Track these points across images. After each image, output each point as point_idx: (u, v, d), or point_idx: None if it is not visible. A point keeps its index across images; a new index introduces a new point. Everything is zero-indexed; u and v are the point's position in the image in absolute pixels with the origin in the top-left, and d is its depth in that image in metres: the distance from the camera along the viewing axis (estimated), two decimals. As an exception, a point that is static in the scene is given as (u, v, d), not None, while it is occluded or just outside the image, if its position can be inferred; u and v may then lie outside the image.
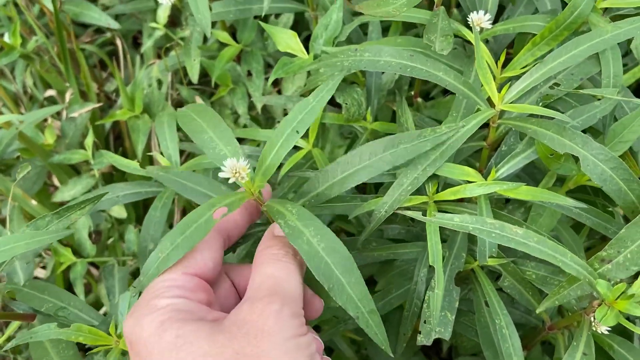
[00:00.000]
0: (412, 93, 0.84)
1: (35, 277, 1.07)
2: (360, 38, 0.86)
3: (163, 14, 1.05)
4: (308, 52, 0.77)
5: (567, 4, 0.63)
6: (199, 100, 0.95)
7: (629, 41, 0.64)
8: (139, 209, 1.10)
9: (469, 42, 0.70)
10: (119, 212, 1.03)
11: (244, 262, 0.63)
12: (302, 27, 1.07)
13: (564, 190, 0.64)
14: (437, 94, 0.98)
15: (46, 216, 0.60)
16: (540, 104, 0.62)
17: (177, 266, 0.48)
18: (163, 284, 0.47)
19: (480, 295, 0.63)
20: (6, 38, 1.05)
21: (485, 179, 0.58)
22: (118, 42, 1.20)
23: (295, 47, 0.77)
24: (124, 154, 1.13)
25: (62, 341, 0.62)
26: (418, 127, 0.76)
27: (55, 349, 0.62)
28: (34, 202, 1.00)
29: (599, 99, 0.60)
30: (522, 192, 0.56)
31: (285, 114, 0.98)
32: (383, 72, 0.79)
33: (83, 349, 0.63)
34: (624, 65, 0.64)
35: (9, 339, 0.72)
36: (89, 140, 0.98)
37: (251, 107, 1.03)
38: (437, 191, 0.58)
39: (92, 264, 1.06)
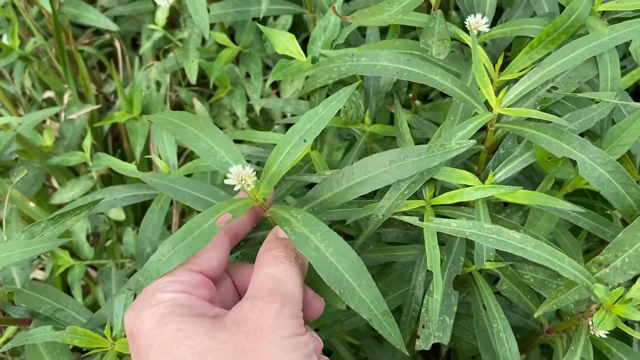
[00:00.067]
0: (411, 96, 0.84)
1: (34, 279, 1.07)
2: (359, 40, 0.86)
3: (162, 16, 1.05)
4: (306, 54, 0.77)
5: (564, 7, 0.63)
6: (197, 102, 0.95)
7: (627, 44, 0.64)
8: (138, 211, 1.10)
9: (466, 45, 0.70)
10: (117, 214, 1.03)
11: (242, 262, 0.63)
12: (300, 28, 1.07)
13: (561, 194, 0.64)
14: (435, 96, 0.98)
15: (41, 222, 0.60)
16: (538, 107, 0.62)
17: (182, 262, 0.48)
18: (166, 278, 0.47)
19: (478, 298, 0.63)
20: (4, 39, 1.05)
21: (483, 182, 0.58)
22: (117, 43, 1.20)
23: (293, 49, 0.77)
24: (123, 156, 1.13)
25: (57, 346, 0.62)
26: (416, 129, 0.76)
27: (50, 354, 0.62)
28: (32, 204, 1.00)
29: (597, 102, 0.60)
30: (519, 196, 0.55)
31: (284, 117, 0.99)
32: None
33: (82, 351, 0.63)
34: (622, 67, 0.64)
35: (6, 342, 0.72)
36: (87, 142, 0.98)
37: (250, 108, 1.03)
38: (435, 195, 0.58)
39: (91, 265, 1.06)
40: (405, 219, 0.52)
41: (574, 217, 0.60)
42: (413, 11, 0.65)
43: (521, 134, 0.56)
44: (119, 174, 0.80)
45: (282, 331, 0.43)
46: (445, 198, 0.57)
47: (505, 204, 0.70)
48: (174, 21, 1.17)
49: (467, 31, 0.66)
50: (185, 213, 1.05)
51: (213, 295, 0.49)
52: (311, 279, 0.53)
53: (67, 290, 0.94)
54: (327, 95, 0.73)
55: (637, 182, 0.56)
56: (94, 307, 1.06)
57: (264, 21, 0.99)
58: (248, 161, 0.70)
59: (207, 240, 0.48)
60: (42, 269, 1.09)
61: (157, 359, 0.42)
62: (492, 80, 0.61)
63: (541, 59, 0.61)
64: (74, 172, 1.10)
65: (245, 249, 0.59)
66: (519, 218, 0.66)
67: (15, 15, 1.12)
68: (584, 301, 0.55)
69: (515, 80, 0.61)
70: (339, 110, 0.73)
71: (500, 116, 0.59)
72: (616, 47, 0.61)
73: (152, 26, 1.05)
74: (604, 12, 0.66)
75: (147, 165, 1.07)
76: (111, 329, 0.61)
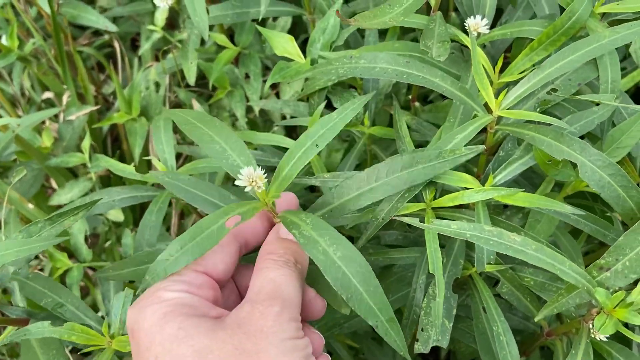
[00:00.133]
0: (410, 97, 0.84)
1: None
2: (358, 41, 0.86)
3: (161, 17, 1.05)
4: (305, 56, 0.77)
5: (565, 8, 0.63)
6: (195, 103, 0.95)
7: (627, 45, 0.64)
8: (137, 212, 1.10)
9: (466, 46, 0.69)
10: (116, 215, 1.03)
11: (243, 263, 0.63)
12: (300, 29, 1.07)
13: (561, 196, 0.64)
14: (435, 97, 0.98)
15: (39, 222, 0.60)
16: (538, 109, 0.62)
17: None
18: (170, 278, 0.47)
19: (478, 301, 0.63)
20: (3, 40, 1.04)
21: (483, 184, 0.58)
22: (116, 44, 1.20)
23: (292, 51, 0.77)
24: (122, 157, 1.13)
25: (53, 347, 0.62)
26: (415, 131, 0.76)
27: (45, 355, 0.62)
28: (30, 205, 0.99)
29: (597, 105, 0.60)
30: (519, 198, 0.55)
31: (284, 118, 0.99)
32: (379, 78, 0.79)
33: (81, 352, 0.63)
34: (622, 69, 0.64)
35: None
36: (86, 143, 0.98)
37: (249, 109, 1.02)
38: (435, 197, 0.58)
39: (90, 266, 1.06)
40: (406, 220, 0.52)
41: (574, 219, 0.59)
42: (413, 13, 0.64)
43: (521, 136, 0.56)
44: (118, 175, 0.80)
45: (281, 333, 0.44)
46: (445, 200, 0.57)
47: (505, 206, 0.70)
48: (173, 22, 1.17)
49: (466, 33, 0.66)
50: (185, 214, 1.05)
51: (217, 296, 0.49)
52: (313, 280, 0.53)
53: (66, 291, 0.94)
54: (327, 97, 0.74)
55: (638, 184, 0.56)
56: (93, 308, 1.05)
57: (263, 22, 0.99)
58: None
59: (215, 241, 0.48)
60: (41, 269, 1.09)
61: (158, 356, 0.43)
62: (491, 82, 0.60)
63: (541, 60, 0.61)
64: (72, 173, 1.10)
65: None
66: (519, 220, 0.66)
67: (14, 16, 1.12)
68: (584, 304, 0.55)
69: (515, 82, 0.61)
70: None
71: (500, 118, 0.59)
72: (616, 49, 0.61)
73: (151, 27, 1.05)
74: (604, 14, 0.65)
75: (146, 166, 1.06)
76: (109, 326, 0.61)
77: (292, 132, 1.02)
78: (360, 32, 0.85)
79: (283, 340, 0.44)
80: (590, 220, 0.59)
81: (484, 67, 0.59)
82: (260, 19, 0.83)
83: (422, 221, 0.54)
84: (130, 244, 0.94)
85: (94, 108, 1.06)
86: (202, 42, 0.99)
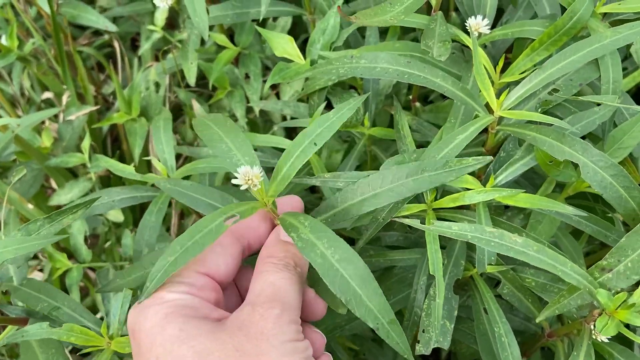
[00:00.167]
0: (411, 97, 0.83)
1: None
2: (358, 41, 0.86)
3: (161, 17, 1.04)
4: (305, 56, 0.77)
5: (566, 8, 0.63)
6: (195, 103, 0.95)
7: (628, 45, 0.64)
8: (136, 213, 1.10)
9: (467, 46, 0.69)
10: (116, 215, 1.03)
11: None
12: (300, 29, 1.06)
13: (563, 197, 0.64)
14: (436, 98, 0.98)
15: (38, 220, 0.60)
16: (539, 109, 0.62)
17: (189, 264, 0.48)
18: (172, 278, 0.47)
19: (479, 302, 0.63)
20: (3, 40, 1.04)
21: (484, 185, 0.58)
22: (116, 44, 1.19)
23: (292, 52, 0.77)
24: (122, 157, 1.12)
25: (52, 346, 0.62)
26: (416, 132, 0.76)
27: (44, 354, 0.62)
28: (30, 205, 0.99)
29: (599, 105, 0.60)
30: (520, 199, 0.55)
31: (284, 118, 0.98)
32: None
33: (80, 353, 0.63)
34: (623, 69, 0.64)
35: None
36: (86, 143, 0.97)
37: (249, 109, 1.02)
38: (436, 198, 0.58)
39: (90, 267, 1.06)
40: (407, 221, 0.52)
41: (575, 220, 0.59)
42: (414, 13, 0.64)
43: (522, 136, 0.56)
44: (118, 175, 0.80)
45: (282, 335, 0.44)
46: (447, 201, 0.56)
47: (507, 206, 0.69)
48: (173, 22, 1.17)
49: (467, 32, 0.66)
50: (185, 215, 1.05)
51: (219, 298, 0.49)
52: (314, 281, 0.53)
53: (66, 292, 0.93)
54: (327, 98, 0.73)
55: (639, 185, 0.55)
56: (92, 309, 1.05)
57: (263, 22, 0.99)
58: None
59: (212, 239, 0.48)
60: (41, 270, 1.09)
61: (159, 357, 0.43)
62: (492, 83, 0.60)
63: (542, 60, 0.61)
64: (72, 173, 1.09)
65: None
66: (520, 221, 0.66)
67: (14, 16, 1.12)
68: (586, 306, 0.54)
69: (516, 83, 0.60)
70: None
71: (501, 119, 0.59)
72: (617, 49, 0.61)
73: (151, 27, 1.05)
74: (605, 13, 0.65)
75: (146, 166, 1.06)
76: (108, 327, 0.60)
77: (292, 132, 1.02)
78: (361, 32, 0.85)
79: (283, 342, 0.44)
80: (591, 221, 0.59)
81: (485, 68, 0.59)
82: (260, 19, 0.82)
83: (422, 222, 0.54)
84: (130, 245, 0.93)
85: (94, 108, 1.06)
86: (202, 42, 0.98)
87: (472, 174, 0.59)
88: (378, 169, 0.61)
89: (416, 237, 0.69)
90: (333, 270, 0.46)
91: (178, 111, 1.15)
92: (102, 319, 1.01)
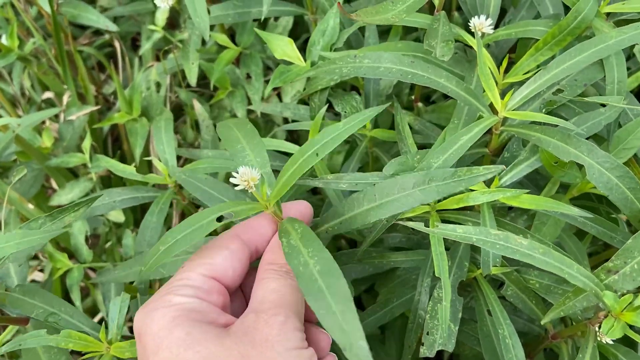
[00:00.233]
0: (413, 97, 0.83)
1: (33, 281, 1.06)
2: (360, 41, 0.85)
3: (161, 17, 1.04)
4: (306, 58, 0.76)
5: (569, 8, 0.62)
6: (197, 103, 0.94)
7: (632, 45, 0.64)
8: (137, 213, 1.09)
9: (469, 46, 0.69)
10: (117, 216, 1.02)
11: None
12: (301, 29, 1.06)
13: (567, 198, 0.63)
14: (438, 98, 0.97)
15: (39, 218, 0.59)
16: (544, 110, 0.61)
17: (197, 267, 0.48)
18: (180, 282, 0.47)
19: (483, 303, 0.63)
20: (3, 40, 1.04)
21: (488, 186, 0.57)
22: (116, 44, 1.19)
23: (291, 54, 0.76)
24: (122, 157, 1.12)
25: (54, 347, 0.61)
26: (418, 133, 0.75)
27: (47, 354, 0.62)
28: (30, 205, 0.99)
29: (603, 105, 0.59)
30: (525, 200, 0.55)
31: (285, 120, 0.98)
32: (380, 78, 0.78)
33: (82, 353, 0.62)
34: (627, 69, 0.64)
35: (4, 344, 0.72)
36: (87, 143, 0.97)
37: (250, 110, 1.02)
38: (440, 200, 0.57)
39: (90, 267, 1.05)
40: (411, 224, 0.51)
41: (581, 222, 0.59)
42: (416, 12, 0.64)
43: (527, 137, 0.56)
44: (119, 175, 0.80)
45: (286, 342, 0.44)
46: (450, 202, 0.56)
47: (510, 207, 0.69)
48: (174, 21, 1.16)
49: (470, 32, 0.65)
50: (185, 215, 1.04)
51: (226, 302, 0.49)
52: None
53: (67, 292, 0.93)
54: (328, 100, 0.73)
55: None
56: (93, 309, 1.05)
57: (264, 22, 0.99)
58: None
59: (203, 234, 0.48)
60: (41, 270, 1.08)
61: None
62: (496, 83, 0.60)
63: (546, 61, 0.61)
64: (73, 173, 1.09)
65: None
66: (524, 222, 0.66)
67: (14, 16, 1.11)
68: (591, 307, 0.54)
69: (520, 83, 0.60)
70: (339, 115, 0.73)
71: (505, 119, 0.58)
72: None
73: (152, 27, 1.04)
74: (609, 13, 0.65)
75: (147, 167, 1.06)
76: (106, 332, 0.60)
77: (294, 133, 1.02)
78: (362, 33, 0.85)
79: (288, 349, 0.43)
80: (597, 222, 0.59)
81: (489, 68, 0.59)
82: (262, 19, 0.82)
83: (426, 224, 0.53)
84: (131, 245, 0.93)
85: (95, 108, 1.05)
86: (203, 42, 0.98)
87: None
88: (380, 170, 0.61)
89: (419, 239, 0.69)
90: (312, 281, 0.45)
91: (179, 111, 1.15)
92: (101, 321, 1.02)
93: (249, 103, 0.99)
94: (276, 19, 1.00)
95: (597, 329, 0.54)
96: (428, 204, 0.57)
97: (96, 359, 0.62)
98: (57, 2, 1.03)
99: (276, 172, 0.55)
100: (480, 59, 0.56)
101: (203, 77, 1.02)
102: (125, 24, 1.19)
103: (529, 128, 0.56)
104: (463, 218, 0.57)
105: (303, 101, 0.89)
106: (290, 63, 0.77)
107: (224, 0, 0.86)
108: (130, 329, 1.03)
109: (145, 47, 1.09)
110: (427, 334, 0.57)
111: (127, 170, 0.77)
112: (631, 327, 0.50)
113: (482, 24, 0.62)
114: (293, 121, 0.83)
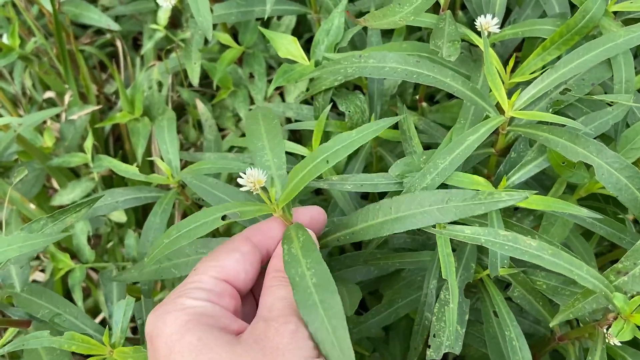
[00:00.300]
0: (417, 97, 0.83)
1: (34, 281, 1.05)
2: (363, 41, 0.85)
3: (163, 16, 1.03)
4: (309, 57, 0.76)
5: (575, 6, 0.62)
6: (200, 103, 0.94)
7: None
8: (139, 213, 1.09)
9: (474, 45, 0.68)
10: (119, 216, 1.02)
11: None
12: (304, 28, 1.06)
13: (574, 198, 0.63)
14: (441, 98, 0.97)
15: (41, 219, 0.59)
16: (550, 110, 0.61)
17: (209, 270, 0.48)
18: (192, 285, 0.47)
19: (489, 305, 0.62)
20: (4, 39, 1.03)
21: (495, 187, 0.57)
22: (118, 43, 1.18)
23: (295, 53, 0.75)
24: (124, 157, 1.11)
25: (57, 349, 0.61)
26: (423, 133, 0.75)
27: (49, 355, 0.62)
28: (32, 205, 0.98)
29: (611, 105, 0.59)
30: (534, 201, 0.54)
31: (288, 120, 0.97)
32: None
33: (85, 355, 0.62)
34: (634, 67, 0.63)
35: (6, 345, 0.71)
36: (89, 143, 0.96)
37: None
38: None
39: (92, 267, 1.05)
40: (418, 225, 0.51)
41: (589, 222, 0.58)
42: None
43: (535, 137, 0.55)
44: (121, 175, 0.79)
45: (298, 351, 0.43)
46: (457, 203, 0.55)
47: (516, 208, 0.69)
48: (176, 21, 1.16)
49: (476, 31, 0.65)
50: (188, 215, 1.04)
51: (237, 305, 0.49)
52: None
53: (68, 292, 0.93)
54: (332, 100, 0.72)
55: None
56: (94, 310, 1.05)
57: (267, 21, 0.98)
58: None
59: (206, 231, 0.48)
60: (42, 270, 1.08)
61: None
62: (502, 82, 0.59)
63: (554, 60, 0.60)
64: (75, 173, 1.08)
65: None
66: (530, 222, 0.65)
67: (16, 15, 1.11)
68: (599, 309, 0.53)
69: (527, 83, 0.59)
70: (344, 115, 0.72)
71: (512, 119, 0.58)
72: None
73: (153, 26, 1.04)
74: (616, 12, 0.64)
75: (149, 166, 1.05)
76: (110, 335, 0.59)
77: (296, 133, 1.01)
78: (366, 32, 0.84)
79: (299, 358, 0.43)
80: (606, 223, 0.58)
81: (495, 68, 0.58)
82: (265, 17, 0.81)
83: (433, 225, 0.53)
84: (133, 245, 0.93)
85: (96, 108, 1.05)
86: (205, 41, 0.98)
87: (480, 174, 0.58)
88: (384, 171, 0.60)
89: (424, 239, 0.68)
90: (307, 293, 0.45)
91: (180, 111, 1.14)
92: (104, 320, 1.01)
93: (251, 103, 0.98)
94: (279, 18, 1.00)
95: (605, 330, 0.53)
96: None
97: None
98: (59, 1, 1.02)
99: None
100: (487, 59, 0.56)
101: (205, 77, 1.01)
102: (126, 23, 1.19)
103: (537, 128, 0.56)
104: (470, 219, 0.57)
105: (306, 101, 0.88)
106: (293, 62, 0.76)
107: (227, -2, 0.85)
108: (132, 330, 1.03)
109: (147, 46, 1.08)
110: (434, 336, 0.56)
111: (129, 171, 0.76)
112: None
113: (488, 23, 0.62)
114: (296, 121, 0.83)
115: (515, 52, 0.75)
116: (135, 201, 0.77)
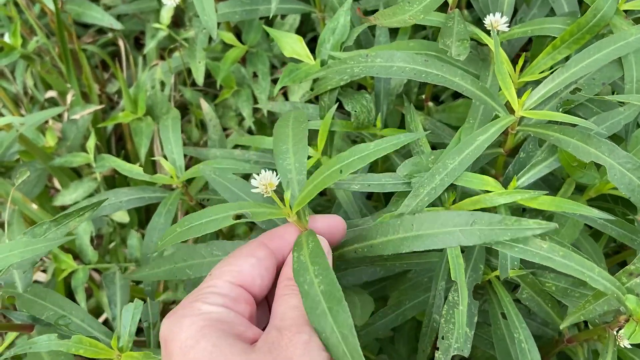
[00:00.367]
0: (423, 97, 0.82)
1: (35, 281, 1.05)
2: (369, 40, 0.84)
3: (167, 15, 1.03)
4: (315, 56, 0.75)
5: (584, 5, 0.61)
6: (204, 102, 0.93)
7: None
8: (141, 213, 1.08)
9: (481, 44, 0.68)
10: (122, 216, 1.01)
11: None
12: (307, 27, 1.05)
13: (584, 199, 0.62)
14: (446, 97, 0.96)
15: (44, 223, 0.58)
16: (561, 109, 0.60)
17: (225, 274, 0.48)
18: (208, 289, 0.47)
19: (497, 307, 0.61)
20: (6, 38, 1.03)
21: (505, 187, 0.56)
22: (120, 42, 1.18)
23: (301, 52, 0.75)
24: (126, 157, 1.11)
25: (61, 353, 0.60)
26: (429, 133, 0.74)
27: (52, 358, 0.61)
28: (34, 205, 0.98)
29: (622, 105, 0.58)
30: (545, 202, 0.53)
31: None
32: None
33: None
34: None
35: (9, 347, 0.70)
36: (91, 142, 0.96)
37: (256, 109, 1.01)
38: (455, 201, 0.56)
39: (94, 268, 1.04)
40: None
41: (600, 224, 0.58)
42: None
43: (545, 137, 0.54)
44: (123, 175, 0.78)
45: None
46: (467, 204, 0.55)
47: (523, 209, 0.68)
48: (178, 20, 1.15)
49: (484, 30, 0.64)
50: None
51: (252, 311, 0.48)
52: None
53: (70, 293, 0.92)
54: (338, 100, 0.72)
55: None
56: (96, 310, 1.04)
57: (271, 20, 0.97)
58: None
59: (216, 227, 0.49)
60: (44, 271, 1.07)
61: None
62: (512, 82, 0.59)
63: (563, 59, 0.59)
64: (77, 173, 1.08)
65: None
66: (538, 224, 0.64)
67: (17, 14, 1.10)
68: (610, 311, 0.53)
69: (536, 82, 0.59)
70: (349, 114, 0.72)
71: (521, 119, 0.57)
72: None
73: (156, 25, 1.03)
74: (627, 11, 0.64)
75: (151, 166, 1.05)
76: (118, 339, 0.59)
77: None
78: (372, 31, 0.83)
79: None
80: (617, 224, 0.58)
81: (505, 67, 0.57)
82: (270, 16, 0.81)
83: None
84: (136, 246, 0.92)
85: (99, 107, 1.05)
86: (209, 40, 0.97)
87: (489, 174, 0.57)
88: (390, 171, 0.60)
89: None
90: (315, 302, 0.44)
91: (183, 110, 1.14)
92: (106, 320, 1.00)
93: (255, 102, 0.98)
94: (283, 17, 0.99)
95: (615, 332, 0.53)
96: (443, 206, 0.56)
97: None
98: (61, 0, 1.02)
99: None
100: (497, 58, 0.55)
101: (208, 76, 1.01)
102: (128, 23, 1.18)
103: (547, 128, 0.55)
104: (478, 219, 0.56)
105: (309, 100, 0.87)
106: (298, 61, 0.76)
107: (231, -3, 0.85)
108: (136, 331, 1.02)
109: (150, 45, 1.08)
110: (442, 338, 0.55)
111: (134, 170, 0.76)
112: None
113: (497, 21, 0.61)
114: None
115: (521, 51, 0.75)
116: (139, 201, 0.77)
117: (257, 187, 0.50)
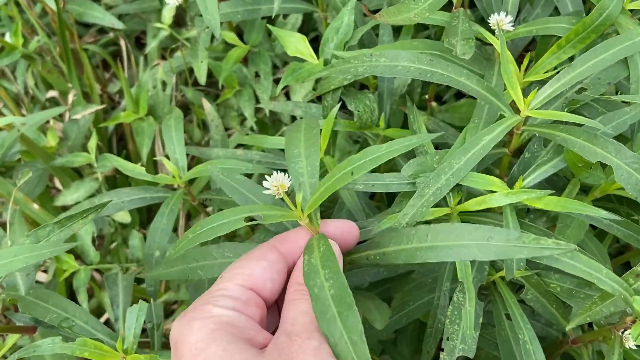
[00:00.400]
0: (427, 97, 0.82)
1: (36, 281, 1.05)
2: (373, 40, 0.84)
3: (168, 14, 1.03)
4: (318, 56, 0.75)
5: (589, 5, 0.61)
6: (206, 102, 0.93)
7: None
8: (143, 213, 1.08)
9: (485, 43, 0.67)
10: (123, 217, 1.01)
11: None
12: (308, 27, 1.05)
13: (589, 199, 0.62)
14: (449, 97, 0.96)
15: (47, 226, 0.58)
16: (566, 109, 0.60)
17: (236, 277, 0.47)
18: (219, 292, 0.46)
19: (501, 307, 0.61)
20: (7, 38, 1.03)
21: (510, 187, 0.56)
22: (121, 42, 1.18)
23: (304, 51, 0.75)
24: (127, 157, 1.10)
25: (66, 356, 0.60)
26: (432, 132, 0.74)
27: (55, 360, 0.61)
28: (35, 205, 0.97)
29: (629, 105, 0.58)
30: (550, 202, 0.53)
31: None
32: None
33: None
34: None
35: (11, 349, 0.70)
36: (92, 142, 0.96)
37: (258, 108, 1.00)
38: (460, 201, 0.56)
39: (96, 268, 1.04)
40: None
41: (606, 224, 0.57)
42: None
43: (551, 137, 0.54)
44: (124, 175, 0.78)
45: None
46: (472, 204, 0.55)
47: (528, 209, 0.68)
48: (179, 19, 1.15)
49: (487, 29, 0.64)
50: (192, 215, 1.03)
51: (263, 315, 0.48)
52: None
53: (71, 293, 0.92)
54: (341, 99, 0.71)
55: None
56: (98, 311, 1.04)
57: (273, 20, 0.97)
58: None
59: (227, 230, 0.49)
60: (45, 271, 1.07)
61: None
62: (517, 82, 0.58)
63: (569, 59, 0.59)
64: (78, 173, 1.08)
65: None
66: (544, 223, 0.64)
67: (19, 13, 1.10)
68: (616, 312, 0.53)
69: (541, 81, 0.58)
70: (352, 114, 0.72)
71: (527, 119, 0.57)
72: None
73: (158, 25, 1.03)
74: (632, 10, 0.63)
75: (152, 166, 1.04)
76: (123, 341, 0.58)
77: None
78: (375, 31, 0.83)
79: None
80: (623, 225, 0.57)
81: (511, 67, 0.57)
82: (273, 16, 0.80)
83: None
84: (138, 246, 0.92)
85: (100, 107, 1.04)
86: (211, 39, 0.97)
87: (493, 174, 0.57)
88: (393, 171, 0.59)
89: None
90: (325, 306, 0.44)
91: (184, 110, 1.14)
92: (108, 321, 1.00)
93: (257, 102, 0.97)
94: (285, 16, 0.99)
95: (621, 334, 0.52)
96: (449, 206, 0.56)
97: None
98: (63, 0, 1.01)
99: (284, 171, 0.55)
100: (503, 57, 0.55)
101: (209, 76, 1.00)
102: (129, 22, 1.18)
103: (553, 128, 0.55)
104: (485, 220, 0.56)
105: (312, 99, 0.87)
106: (301, 60, 0.76)
107: (233, -3, 0.84)
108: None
109: (152, 45, 1.07)
110: (447, 339, 0.55)
111: (136, 170, 0.75)
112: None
113: (502, 20, 0.61)
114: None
115: (524, 51, 0.74)
116: (141, 201, 0.77)
117: (269, 189, 0.50)
